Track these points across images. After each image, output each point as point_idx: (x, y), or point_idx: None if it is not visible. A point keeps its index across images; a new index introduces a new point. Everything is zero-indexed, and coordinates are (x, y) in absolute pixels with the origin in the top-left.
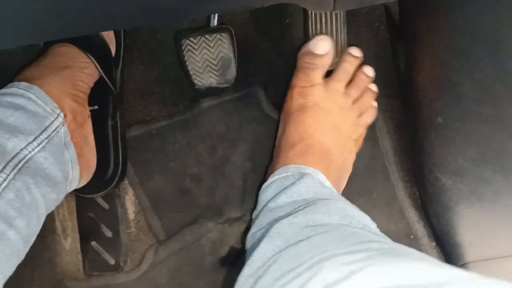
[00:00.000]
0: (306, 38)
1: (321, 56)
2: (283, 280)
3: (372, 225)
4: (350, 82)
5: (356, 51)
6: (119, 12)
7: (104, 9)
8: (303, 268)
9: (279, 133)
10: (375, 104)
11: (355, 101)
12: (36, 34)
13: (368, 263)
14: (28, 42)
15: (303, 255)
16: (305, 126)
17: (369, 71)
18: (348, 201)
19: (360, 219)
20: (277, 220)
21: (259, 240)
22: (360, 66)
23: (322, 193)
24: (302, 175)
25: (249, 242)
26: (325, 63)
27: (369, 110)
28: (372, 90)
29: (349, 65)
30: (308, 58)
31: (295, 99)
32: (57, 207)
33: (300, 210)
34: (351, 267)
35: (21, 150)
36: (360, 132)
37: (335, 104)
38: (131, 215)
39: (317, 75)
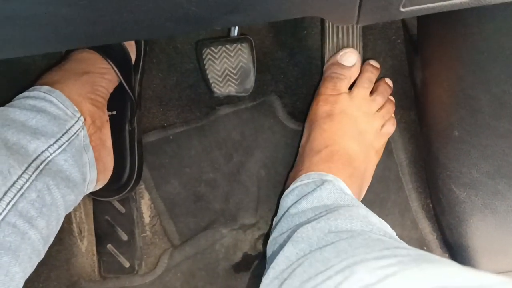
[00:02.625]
0: (323, 50)
1: (348, 68)
2: (312, 282)
3: (392, 233)
4: (373, 91)
5: (375, 62)
6: (147, 22)
7: (134, 18)
8: (332, 271)
9: (303, 140)
10: (393, 115)
11: (379, 109)
12: (64, 41)
13: (401, 267)
14: (56, 49)
15: (330, 259)
16: (330, 133)
17: (390, 82)
18: (368, 209)
19: (381, 227)
20: (298, 225)
21: (281, 245)
22: (380, 78)
23: (343, 199)
24: (323, 182)
25: (270, 247)
26: (352, 74)
27: (391, 120)
28: (392, 102)
29: (371, 75)
30: (336, 68)
31: (321, 106)
32: (74, 210)
33: (322, 216)
34: (385, 271)
35: (43, 152)
36: (382, 141)
37: (360, 111)
38: (146, 219)
39: (344, 85)
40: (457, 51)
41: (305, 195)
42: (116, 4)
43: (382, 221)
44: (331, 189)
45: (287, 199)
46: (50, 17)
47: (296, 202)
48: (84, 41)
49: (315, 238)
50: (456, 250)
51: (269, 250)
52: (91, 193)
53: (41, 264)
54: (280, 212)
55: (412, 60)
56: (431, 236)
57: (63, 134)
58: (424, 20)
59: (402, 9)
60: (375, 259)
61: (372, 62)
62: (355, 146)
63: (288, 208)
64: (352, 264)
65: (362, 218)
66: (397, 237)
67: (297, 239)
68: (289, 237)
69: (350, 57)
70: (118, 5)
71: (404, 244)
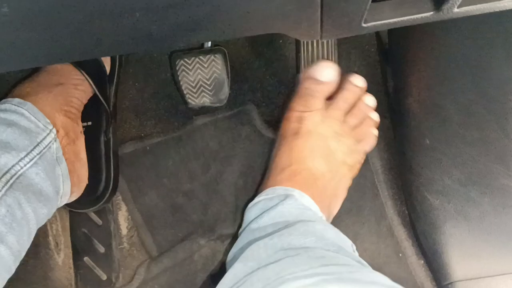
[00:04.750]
0: (298, 60)
1: (324, 83)
2: None
3: (349, 248)
4: (349, 111)
5: (358, 81)
6: (110, 40)
7: (94, 38)
8: None
9: (273, 153)
10: (375, 132)
11: (354, 128)
12: (26, 61)
13: (322, 285)
14: (16, 68)
15: (269, 277)
16: (296, 152)
17: (370, 100)
18: (330, 225)
19: (336, 242)
20: (255, 240)
21: (235, 260)
22: (362, 95)
23: (304, 215)
24: (286, 197)
25: (228, 261)
26: (327, 90)
27: (368, 137)
28: (372, 119)
29: (349, 94)
30: (310, 83)
31: (291, 123)
32: (51, 223)
33: (278, 231)
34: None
35: (13, 166)
36: (356, 158)
37: (330, 130)
38: (124, 230)
39: (317, 102)
40: (425, 62)
41: (267, 209)
42: (76, 25)
43: (341, 236)
44: (293, 204)
45: (251, 212)
46: (9, 38)
47: (258, 216)
48: (46, 61)
49: (264, 255)
50: (431, 257)
51: (228, 264)
52: (67, 205)
53: (16, 279)
54: (244, 225)
55: (385, 69)
56: (407, 243)
57: (34, 147)
58: (394, 31)
59: (364, 25)
60: (304, 277)
61: (354, 79)
62: (322, 166)
63: (250, 223)
64: (281, 283)
65: (316, 233)
66: (354, 252)
67: (247, 256)
68: (242, 253)
69: (326, 72)
70: (78, 26)
71: (350, 260)
